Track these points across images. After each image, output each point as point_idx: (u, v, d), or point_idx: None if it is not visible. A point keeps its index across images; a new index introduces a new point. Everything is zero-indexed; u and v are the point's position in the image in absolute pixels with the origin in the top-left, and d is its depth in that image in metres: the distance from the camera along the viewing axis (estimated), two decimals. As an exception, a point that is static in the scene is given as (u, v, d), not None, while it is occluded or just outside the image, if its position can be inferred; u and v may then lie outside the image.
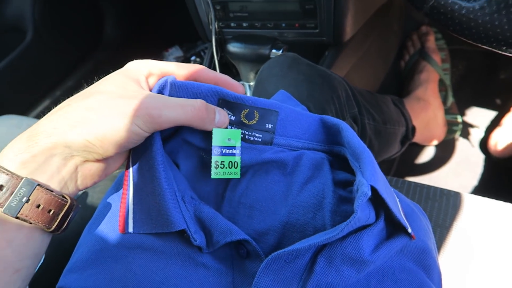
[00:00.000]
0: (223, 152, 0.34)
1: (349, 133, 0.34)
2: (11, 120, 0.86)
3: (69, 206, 0.30)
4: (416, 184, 0.59)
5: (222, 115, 0.34)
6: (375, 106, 0.67)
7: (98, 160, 0.31)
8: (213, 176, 0.33)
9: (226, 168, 0.34)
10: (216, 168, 0.33)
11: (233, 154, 0.34)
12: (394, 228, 0.33)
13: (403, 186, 0.59)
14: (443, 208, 0.54)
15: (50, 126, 0.28)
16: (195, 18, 0.79)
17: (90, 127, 0.28)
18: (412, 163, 0.98)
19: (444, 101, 1.00)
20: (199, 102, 0.32)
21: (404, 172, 0.97)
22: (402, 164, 0.98)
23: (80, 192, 0.33)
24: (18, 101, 1.18)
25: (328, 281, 0.30)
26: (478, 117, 1.01)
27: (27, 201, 0.27)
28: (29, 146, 0.28)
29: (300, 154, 0.36)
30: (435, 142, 0.98)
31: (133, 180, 0.33)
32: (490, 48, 0.37)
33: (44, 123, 0.29)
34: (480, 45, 0.38)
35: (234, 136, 0.34)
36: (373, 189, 0.29)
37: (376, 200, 0.31)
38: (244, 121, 0.35)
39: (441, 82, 1.01)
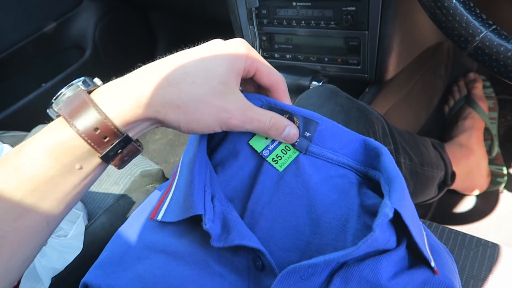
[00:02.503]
0: (271, 148, 0.36)
1: (388, 158, 0.33)
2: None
3: (139, 151, 0.33)
4: (451, 230, 0.56)
5: (292, 132, 0.35)
6: (413, 147, 0.66)
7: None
8: (280, 168, 0.36)
9: (284, 156, 0.36)
10: (276, 163, 0.36)
11: (279, 144, 0.36)
12: (416, 259, 0.31)
13: (436, 230, 0.57)
14: (479, 258, 0.51)
15: (158, 101, 0.30)
16: (241, 46, 0.82)
17: (187, 118, 0.31)
18: (450, 211, 0.94)
19: (489, 151, 0.96)
20: (274, 118, 0.34)
21: (440, 219, 0.93)
22: (440, 210, 0.94)
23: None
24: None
25: None
26: (526, 170, 0.96)
27: (120, 152, 0.31)
28: (135, 109, 0.30)
29: (327, 176, 0.36)
30: (477, 192, 0.93)
31: (177, 176, 0.36)
32: None
33: (154, 93, 0.30)
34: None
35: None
36: (397, 214, 0.29)
37: (400, 226, 0.30)
38: None
39: (487, 131, 0.98)
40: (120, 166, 0.32)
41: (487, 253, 0.51)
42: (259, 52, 0.77)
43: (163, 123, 0.32)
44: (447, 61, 1.01)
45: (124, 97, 0.30)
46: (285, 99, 0.37)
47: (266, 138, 0.36)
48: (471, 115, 0.96)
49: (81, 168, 0.30)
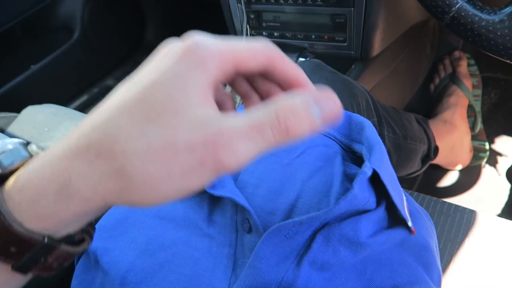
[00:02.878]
0: None
1: (370, 129, 0.36)
2: (50, 109, 0.92)
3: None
4: (431, 198, 0.59)
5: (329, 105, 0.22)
6: (397, 121, 0.68)
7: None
8: None
9: None
10: None
11: None
12: (395, 221, 0.34)
13: (417, 198, 0.59)
14: (456, 223, 0.54)
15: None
16: (230, 25, 0.83)
17: (130, 194, 0.19)
18: (434, 185, 0.97)
19: (473, 127, 0.99)
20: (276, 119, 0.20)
21: (425, 192, 0.96)
22: (424, 184, 0.97)
23: None
24: (59, 94, 1.26)
25: (324, 259, 0.31)
26: (507, 146, 0.99)
27: (43, 261, 0.22)
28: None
29: (313, 144, 0.37)
30: (460, 167, 0.97)
31: None
32: (508, 61, 0.38)
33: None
34: (498, 57, 0.39)
35: None
36: (376, 176, 0.31)
37: (379, 189, 0.32)
38: None
39: (470, 108, 1.00)
40: (49, 274, 0.22)
41: (464, 219, 0.54)
42: (246, 31, 0.78)
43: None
44: (432, 40, 1.02)
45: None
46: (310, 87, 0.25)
47: None
48: (456, 92, 0.99)
49: None
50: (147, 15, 1.41)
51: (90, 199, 0.19)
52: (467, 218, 0.54)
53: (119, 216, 0.37)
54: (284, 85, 0.24)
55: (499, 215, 0.88)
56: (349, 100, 0.52)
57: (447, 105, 0.97)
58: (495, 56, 0.39)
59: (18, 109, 0.91)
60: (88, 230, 0.23)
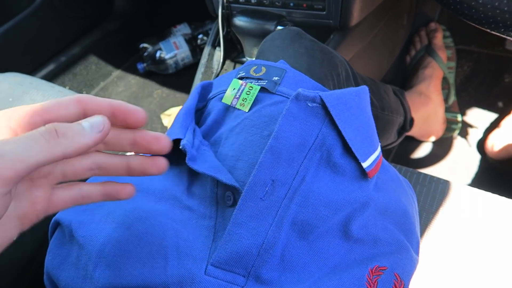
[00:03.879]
0: (238, 96, 0.37)
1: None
2: (14, 78, 0.87)
3: None
4: (407, 169, 0.60)
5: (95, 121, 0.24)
6: (375, 92, 0.68)
7: None
8: (247, 109, 0.37)
9: (248, 96, 0.37)
10: (243, 105, 0.37)
11: (244, 87, 0.37)
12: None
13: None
14: (431, 193, 0.55)
15: None
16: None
17: None
18: (408, 156, 0.99)
19: (446, 99, 1.01)
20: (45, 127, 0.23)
21: (399, 163, 0.97)
22: (398, 156, 0.98)
23: None
24: (23, 62, 1.19)
25: (304, 218, 0.31)
26: (478, 118, 1.02)
27: None
28: None
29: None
30: (433, 139, 0.98)
31: None
32: (489, 30, 0.38)
33: None
34: (479, 26, 0.38)
35: (236, 85, 0.37)
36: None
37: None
38: (252, 74, 0.37)
39: (444, 80, 1.01)
40: None
41: (439, 189, 0.55)
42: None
43: None
44: (409, 10, 1.02)
45: None
46: (137, 112, 0.26)
47: (234, 89, 0.37)
48: (431, 64, 0.99)
49: None
50: (116, -20, 1.33)
51: None
52: (441, 188, 0.55)
53: None
54: (113, 120, 0.26)
55: (470, 185, 0.91)
56: (329, 70, 0.51)
57: (422, 77, 0.98)
58: (474, 25, 0.38)
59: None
60: None
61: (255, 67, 0.38)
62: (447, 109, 1.00)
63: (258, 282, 0.30)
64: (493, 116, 1.01)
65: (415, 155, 0.99)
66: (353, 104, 0.33)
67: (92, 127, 0.24)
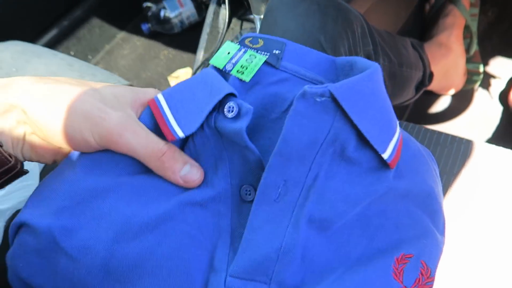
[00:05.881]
0: (234, 62, 0.32)
1: (363, 61, 0.32)
2: (16, 46, 0.85)
3: (11, 166, 0.27)
4: (426, 129, 0.57)
5: (195, 171, 0.30)
6: (392, 47, 0.63)
7: (45, 141, 0.30)
8: (247, 78, 0.32)
9: (250, 65, 0.32)
10: (242, 73, 0.32)
11: (244, 54, 0.33)
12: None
13: (413, 130, 0.57)
14: (453, 155, 0.52)
15: (26, 87, 0.28)
16: None
17: (50, 114, 0.27)
18: (425, 112, 0.95)
19: (468, 49, 0.95)
20: (166, 146, 0.29)
21: (416, 119, 0.94)
22: (415, 111, 0.95)
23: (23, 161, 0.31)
24: (25, 28, 1.16)
25: (322, 216, 0.29)
26: (502, 68, 0.96)
27: None
28: None
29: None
30: (452, 92, 0.94)
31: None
32: None
33: (25, 80, 0.29)
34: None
35: (231, 49, 0.33)
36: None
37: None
38: (248, 44, 0.33)
39: (466, 29, 0.95)
40: None
41: (461, 150, 0.53)
42: None
43: (27, 114, 0.27)
44: (430, -47, 0.94)
45: None
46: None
47: (228, 53, 0.33)
48: (452, 12, 0.93)
49: None
50: None
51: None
52: (463, 148, 0.53)
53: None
54: None
55: (491, 140, 0.88)
56: (344, 28, 0.47)
57: (443, 26, 0.92)
58: None
59: (-22, 47, 0.83)
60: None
61: (250, 39, 0.33)
62: (468, 60, 0.95)
63: (281, 286, 0.28)
64: (517, 65, 0.95)
65: (433, 109, 0.95)
66: (367, 91, 0.29)
67: (187, 178, 0.30)
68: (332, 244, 0.29)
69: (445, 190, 0.50)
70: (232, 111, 0.29)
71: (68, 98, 0.28)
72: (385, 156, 0.30)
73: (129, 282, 0.27)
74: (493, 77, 0.96)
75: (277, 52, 0.33)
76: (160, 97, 0.31)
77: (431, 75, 0.78)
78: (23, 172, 0.29)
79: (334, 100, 0.28)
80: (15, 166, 0.28)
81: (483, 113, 0.92)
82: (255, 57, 0.32)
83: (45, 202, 0.29)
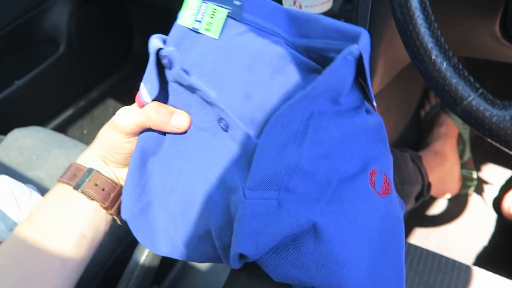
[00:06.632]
0: (200, 19, 0.35)
1: (331, 21, 0.36)
2: (38, 134, 0.89)
3: (120, 188, 0.40)
4: (428, 252, 0.60)
5: (182, 118, 0.37)
6: (394, 165, 0.68)
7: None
8: (216, 35, 0.35)
9: (213, 20, 0.35)
10: (209, 31, 0.35)
11: (205, 9, 0.35)
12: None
13: (415, 252, 0.61)
14: (453, 282, 0.55)
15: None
16: None
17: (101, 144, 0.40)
18: (422, 215, 0.99)
19: (461, 155, 1.01)
20: (150, 105, 0.36)
21: (413, 223, 0.98)
22: (412, 214, 0.99)
23: None
24: (44, 109, 1.22)
25: (320, 140, 0.35)
26: (494, 174, 1.02)
27: (88, 181, 0.39)
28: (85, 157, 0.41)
29: (264, 43, 0.36)
30: (448, 196, 0.99)
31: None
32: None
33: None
34: (507, 150, 0.40)
35: (192, 5, 0.35)
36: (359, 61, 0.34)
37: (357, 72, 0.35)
38: None
39: (459, 136, 1.02)
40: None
41: (461, 277, 0.56)
42: None
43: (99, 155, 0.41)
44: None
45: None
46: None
47: (191, 9, 0.35)
48: (446, 122, 1.00)
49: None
50: (134, 26, 1.37)
51: None
52: (464, 276, 0.56)
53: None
54: None
55: (486, 246, 0.91)
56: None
57: (437, 135, 0.99)
58: (504, 149, 0.40)
59: (4, 130, 0.88)
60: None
61: None
62: (462, 166, 1.01)
63: (288, 192, 0.34)
64: (508, 173, 1.01)
65: (429, 212, 1.00)
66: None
67: (177, 124, 0.37)
68: (327, 162, 0.35)
69: (447, 319, 0.52)
70: (167, 63, 0.35)
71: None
72: (375, 103, 0.38)
73: None
74: (486, 183, 1.01)
75: (238, 3, 0.35)
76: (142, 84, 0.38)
77: (429, 186, 0.83)
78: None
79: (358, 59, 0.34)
80: (121, 187, 0.41)
81: (478, 219, 0.96)
82: (217, 11, 0.35)
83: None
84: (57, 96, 1.24)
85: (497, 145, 0.40)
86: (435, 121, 1.02)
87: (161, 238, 0.40)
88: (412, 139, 1.06)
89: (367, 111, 0.40)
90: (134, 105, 0.38)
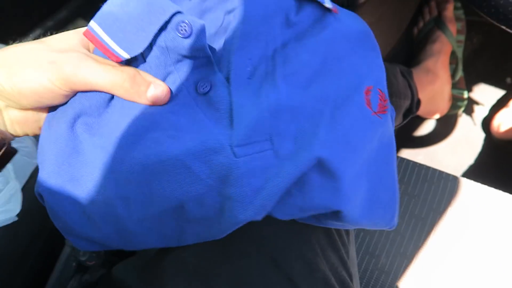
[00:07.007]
0: None
1: None
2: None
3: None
4: (414, 163, 0.58)
5: (160, 90, 0.30)
6: (383, 77, 0.64)
7: (22, 110, 0.30)
8: None
9: None
10: None
11: None
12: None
13: (401, 164, 0.58)
14: (440, 192, 0.53)
15: None
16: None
17: (8, 73, 0.27)
18: (410, 135, 0.97)
19: (453, 75, 0.97)
20: (127, 71, 0.29)
21: (401, 143, 0.96)
22: (400, 135, 0.96)
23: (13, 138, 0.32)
24: (9, 29, 1.12)
25: (293, 70, 0.33)
26: (485, 95, 0.98)
27: None
28: None
29: None
30: (437, 116, 0.96)
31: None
32: (506, 28, 0.35)
33: None
34: (497, 23, 0.36)
35: None
36: None
37: None
38: None
39: (452, 55, 0.97)
40: None
41: (448, 187, 0.54)
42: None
43: None
44: (420, -21, 0.96)
45: None
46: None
47: None
48: (440, 38, 0.94)
49: None
50: None
51: None
52: (450, 186, 0.54)
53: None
54: None
55: (473, 165, 0.90)
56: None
57: (430, 52, 0.93)
58: (494, 22, 0.36)
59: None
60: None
61: None
62: (453, 85, 0.97)
63: (280, 136, 0.31)
64: (500, 93, 0.98)
65: (417, 133, 0.97)
66: None
67: (154, 97, 0.30)
68: (312, 91, 0.33)
69: (431, 227, 0.51)
70: (185, 30, 0.30)
71: (18, 57, 0.28)
72: (327, 4, 0.34)
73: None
74: (477, 103, 0.98)
75: None
76: (93, 24, 0.30)
77: (418, 102, 0.79)
78: (11, 152, 0.31)
79: None
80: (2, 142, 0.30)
81: (466, 139, 0.94)
82: None
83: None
84: (22, 15, 1.13)
85: (487, 16, 0.36)
86: (428, 38, 0.96)
87: (101, 221, 0.31)
88: (403, 57, 1.00)
89: (336, 19, 0.35)
90: (102, 59, 0.29)
